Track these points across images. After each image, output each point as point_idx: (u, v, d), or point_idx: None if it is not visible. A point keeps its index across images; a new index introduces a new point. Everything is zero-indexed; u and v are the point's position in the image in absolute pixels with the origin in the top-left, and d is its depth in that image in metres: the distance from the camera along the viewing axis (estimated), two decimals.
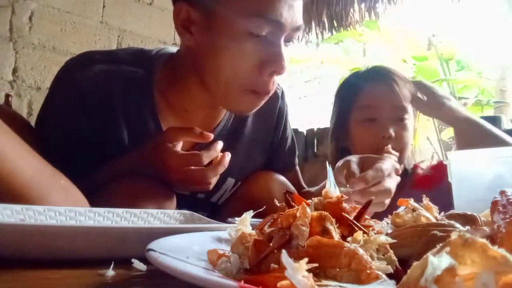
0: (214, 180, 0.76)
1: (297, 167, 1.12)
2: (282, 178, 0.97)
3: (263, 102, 0.82)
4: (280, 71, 0.77)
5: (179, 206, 0.90)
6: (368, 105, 1.15)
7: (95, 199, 0.67)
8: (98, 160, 0.80)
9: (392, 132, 1.10)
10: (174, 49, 0.92)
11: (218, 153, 0.76)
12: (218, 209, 0.99)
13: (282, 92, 1.05)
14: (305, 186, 1.12)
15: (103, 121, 0.82)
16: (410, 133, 1.15)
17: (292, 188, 0.96)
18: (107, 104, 0.82)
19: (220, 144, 0.76)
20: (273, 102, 1.01)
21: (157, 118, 0.86)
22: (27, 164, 0.55)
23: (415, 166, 1.23)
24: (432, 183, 1.17)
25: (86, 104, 0.81)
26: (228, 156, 0.77)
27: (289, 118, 1.08)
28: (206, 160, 0.74)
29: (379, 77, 1.18)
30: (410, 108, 1.16)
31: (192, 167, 0.73)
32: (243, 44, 0.74)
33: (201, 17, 0.77)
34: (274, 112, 1.02)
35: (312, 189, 1.06)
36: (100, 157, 0.80)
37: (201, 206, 0.95)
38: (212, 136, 0.76)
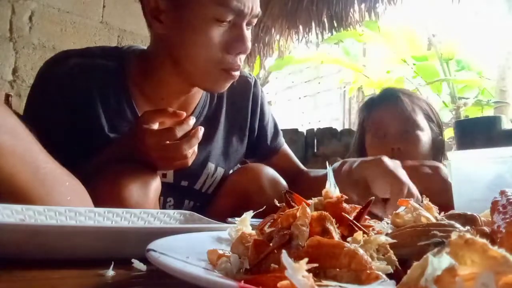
0: (190, 154, 0.79)
1: (286, 148, 1.15)
2: (272, 170, 0.99)
3: (233, 79, 0.89)
4: (245, 51, 0.85)
5: (164, 196, 0.91)
6: (376, 122, 1.23)
7: (85, 187, 0.68)
8: (83, 150, 0.83)
9: (399, 144, 1.14)
10: (144, 47, 0.99)
11: (191, 127, 0.80)
12: (206, 199, 1.01)
13: (255, 81, 1.10)
14: (302, 166, 1.14)
15: (82, 112, 0.86)
16: (422, 145, 1.17)
17: (282, 180, 0.98)
18: (85, 96, 0.87)
19: (192, 119, 0.80)
20: (246, 90, 1.07)
21: (134, 107, 0.91)
22: (29, 164, 0.54)
23: None
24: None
25: (64, 96, 0.85)
26: (201, 129, 0.80)
27: (267, 103, 1.12)
28: (179, 133, 0.77)
29: (385, 96, 1.27)
30: (421, 121, 1.19)
31: (168, 142, 0.76)
32: (210, 29, 0.82)
33: (169, 5, 0.84)
34: (248, 99, 1.07)
35: (317, 174, 1.06)
36: (84, 147, 0.83)
37: (187, 195, 0.98)
38: (184, 113, 0.80)
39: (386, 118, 1.21)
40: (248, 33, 0.86)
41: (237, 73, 0.88)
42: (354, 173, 0.81)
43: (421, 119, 1.20)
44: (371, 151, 1.23)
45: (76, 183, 0.63)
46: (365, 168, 0.81)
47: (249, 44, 0.85)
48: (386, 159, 0.80)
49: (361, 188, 0.80)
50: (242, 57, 0.87)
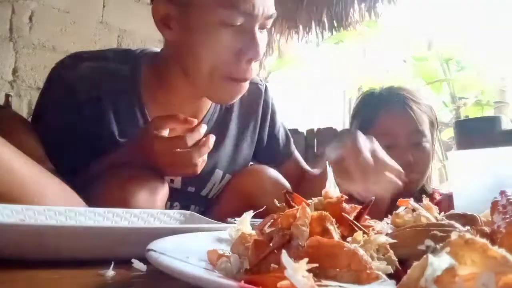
0: (200, 162, 0.78)
1: (296, 154, 1.14)
2: (274, 172, 0.98)
3: (243, 90, 0.86)
4: (257, 57, 0.81)
5: (171, 201, 0.91)
6: (385, 133, 1.16)
7: (91, 191, 0.68)
8: (93, 154, 0.82)
9: (410, 157, 1.12)
10: (157, 49, 0.97)
11: (202, 135, 0.78)
12: (211, 204, 1.01)
13: (266, 88, 1.08)
14: (307, 167, 1.13)
15: (93, 116, 0.85)
16: (428, 156, 1.17)
17: (284, 182, 0.97)
18: (97, 99, 0.86)
19: (203, 127, 0.79)
20: (257, 98, 1.05)
21: (145, 112, 0.90)
22: (24, 163, 0.55)
23: (434, 192, 1.23)
24: (445, 210, 1.16)
25: (76, 100, 0.84)
26: (212, 138, 0.79)
27: (277, 111, 1.11)
28: (190, 142, 0.76)
29: (394, 102, 1.19)
30: (427, 131, 1.18)
31: (178, 150, 0.75)
32: (218, 34, 0.79)
33: (178, 12, 0.81)
34: (258, 106, 1.05)
35: (315, 171, 1.05)
36: (94, 152, 0.83)
37: (193, 200, 0.98)
38: (196, 120, 0.79)
39: (396, 128, 1.16)
40: (261, 36, 0.83)
41: (246, 84, 0.85)
42: (336, 161, 0.80)
43: (427, 129, 1.18)
44: None
45: (61, 181, 0.63)
46: (343, 151, 0.79)
47: (261, 49, 0.81)
48: (361, 137, 0.78)
49: (342, 172, 0.77)
50: (254, 65, 0.84)
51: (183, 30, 0.82)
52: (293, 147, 1.13)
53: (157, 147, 0.75)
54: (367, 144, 0.79)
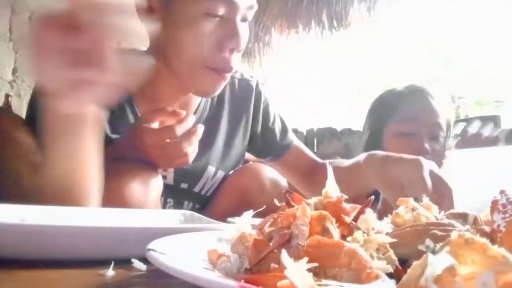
0: (191, 152, 0.78)
1: (298, 143, 1.12)
2: (271, 170, 0.99)
3: (225, 82, 0.87)
4: (238, 47, 0.83)
5: (164, 197, 0.92)
6: (408, 119, 1.19)
7: None
8: None
9: (428, 147, 1.14)
10: (144, 48, 0.98)
11: (191, 125, 0.79)
12: (207, 201, 1.01)
13: (257, 83, 1.07)
14: (318, 159, 1.11)
15: None
16: (443, 151, 1.19)
17: (281, 180, 0.98)
18: None
19: (192, 117, 0.79)
20: (248, 94, 1.04)
21: (135, 109, 0.91)
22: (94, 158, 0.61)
23: None
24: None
25: None
26: (201, 127, 0.79)
27: (271, 103, 1.10)
28: (179, 131, 0.76)
29: (418, 94, 1.24)
30: (444, 126, 1.21)
31: (168, 140, 0.76)
32: (201, 24, 0.80)
33: (160, 3, 0.82)
34: (250, 102, 1.05)
35: (342, 164, 0.97)
36: None
37: (186, 197, 0.98)
38: (184, 112, 0.79)
39: (418, 116, 1.19)
40: (243, 27, 0.84)
41: (228, 75, 0.85)
42: (390, 170, 0.79)
43: (444, 125, 1.21)
44: (394, 149, 1.19)
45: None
46: (403, 168, 0.78)
47: (241, 39, 0.82)
48: (425, 163, 0.76)
49: (394, 186, 0.77)
50: (236, 56, 0.84)
51: (166, 22, 0.82)
52: (292, 136, 1.12)
53: (147, 139, 0.76)
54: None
